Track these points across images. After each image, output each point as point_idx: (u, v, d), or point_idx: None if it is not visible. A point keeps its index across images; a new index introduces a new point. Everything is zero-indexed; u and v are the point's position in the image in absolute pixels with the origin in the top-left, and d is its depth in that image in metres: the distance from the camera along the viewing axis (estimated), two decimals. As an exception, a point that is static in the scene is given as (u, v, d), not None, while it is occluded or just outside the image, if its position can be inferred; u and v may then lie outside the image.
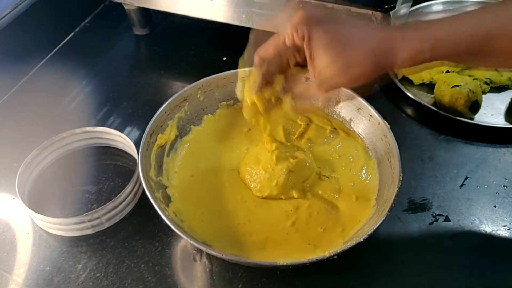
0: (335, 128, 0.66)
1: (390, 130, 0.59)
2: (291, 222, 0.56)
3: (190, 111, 0.66)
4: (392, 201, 0.52)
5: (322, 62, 0.47)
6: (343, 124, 0.66)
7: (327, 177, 0.60)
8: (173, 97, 0.63)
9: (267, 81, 0.55)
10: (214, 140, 0.65)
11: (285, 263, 0.49)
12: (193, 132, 0.66)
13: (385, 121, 0.60)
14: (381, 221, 0.50)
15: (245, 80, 0.57)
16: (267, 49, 0.51)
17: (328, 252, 0.48)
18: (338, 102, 0.66)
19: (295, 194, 0.58)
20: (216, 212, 0.57)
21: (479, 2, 0.88)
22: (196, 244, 0.50)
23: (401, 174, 0.54)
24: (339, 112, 0.67)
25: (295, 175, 0.58)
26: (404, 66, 0.47)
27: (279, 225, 0.56)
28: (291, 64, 0.54)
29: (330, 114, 0.68)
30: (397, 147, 0.57)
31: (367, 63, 0.46)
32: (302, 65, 0.52)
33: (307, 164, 0.60)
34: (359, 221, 0.56)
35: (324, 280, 0.56)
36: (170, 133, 0.63)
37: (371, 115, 0.62)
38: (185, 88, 0.65)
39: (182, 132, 0.65)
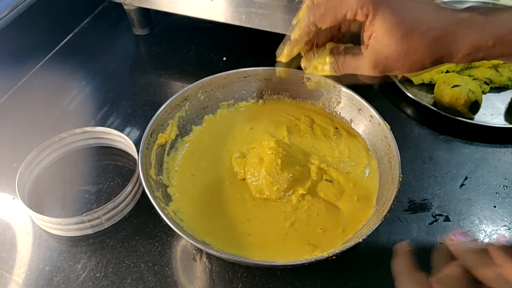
0: (337, 128, 0.66)
1: (391, 131, 0.59)
2: (290, 222, 0.56)
3: (190, 111, 0.66)
4: (391, 202, 0.52)
5: (382, 44, 0.46)
6: (345, 124, 0.66)
7: (330, 181, 0.60)
8: (174, 96, 0.63)
9: (312, 45, 0.54)
10: (215, 139, 0.65)
11: (283, 263, 0.49)
12: (194, 131, 0.66)
13: (385, 122, 0.60)
14: (380, 221, 0.50)
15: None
16: (325, 18, 0.48)
17: (327, 253, 0.48)
18: (338, 103, 0.66)
19: (294, 199, 0.58)
20: (216, 211, 0.57)
21: (479, 2, 0.88)
22: (195, 243, 0.50)
23: (401, 175, 0.54)
24: (340, 112, 0.67)
25: (298, 183, 0.58)
26: (461, 61, 0.46)
27: (278, 225, 0.56)
28: (342, 31, 0.53)
29: (331, 113, 0.67)
30: (397, 148, 0.57)
31: (427, 52, 0.45)
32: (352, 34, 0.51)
33: (312, 172, 0.60)
34: (360, 222, 0.56)
35: (324, 280, 0.55)
36: (170, 132, 0.63)
37: (371, 116, 0.62)
38: (186, 88, 0.65)
39: (183, 131, 0.65)
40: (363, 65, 0.48)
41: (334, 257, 0.48)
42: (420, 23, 0.45)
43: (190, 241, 0.50)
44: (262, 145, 0.60)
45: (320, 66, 0.53)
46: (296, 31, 0.52)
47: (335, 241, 0.54)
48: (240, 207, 0.58)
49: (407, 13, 0.45)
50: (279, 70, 0.64)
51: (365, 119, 0.64)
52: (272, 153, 0.59)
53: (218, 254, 0.50)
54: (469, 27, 0.44)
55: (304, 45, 0.54)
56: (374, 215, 0.55)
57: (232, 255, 0.50)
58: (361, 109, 0.64)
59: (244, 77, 0.67)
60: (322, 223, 0.56)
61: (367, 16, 0.46)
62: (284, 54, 0.55)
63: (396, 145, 0.57)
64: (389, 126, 0.59)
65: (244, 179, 0.60)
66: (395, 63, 0.46)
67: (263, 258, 0.52)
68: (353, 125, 0.66)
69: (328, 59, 0.52)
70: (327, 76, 0.63)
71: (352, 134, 0.65)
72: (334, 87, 0.65)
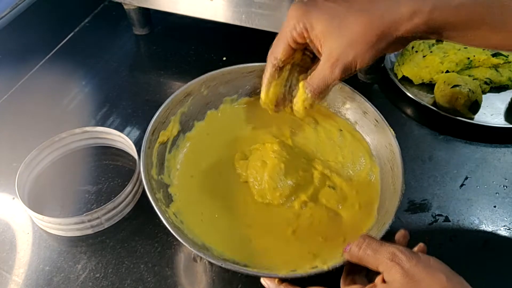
0: (341, 130, 0.64)
1: (395, 138, 0.57)
2: (292, 230, 0.55)
3: (193, 106, 0.64)
4: (393, 213, 0.51)
5: (329, 44, 0.47)
6: (350, 125, 0.64)
7: (333, 187, 0.59)
8: (177, 92, 0.61)
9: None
10: (217, 139, 0.64)
11: (284, 276, 0.48)
12: (196, 128, 0.64)
13: (390, 128, 0.58)
14: (382, 234, 0.49)
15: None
16: (278, 47, 0.51)
17: (327, 266, 0.48)
18: (344, 104, 0.65)
19: (296, 206, 0.57)
20: (217, 213, 0.57)
21: None
22: (196, 252, 0.49)
23: (404, 186, 0.53)
24: (345, 113, 0.65)
25: (301, 188, 0.58)
26: (408, 30, 0.45)
27: (279, 232, 0.55)
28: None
29: (335, 114, 0.66)
30: (401, 157, 0.55)
31: (369, 29, 0.45)
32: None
33: (315, 178, 0.59)
34: (361, 230, 0.55)
35: (324, 284, 0.55)
36: (172, 129, 0.61)
37: (376, 120, 0.60)
38: (189, 83, 0.63)
39: (185, 127, 0.63)
40: (326, 74, 0.49)
41: (333, 270, 0.48)
42: (351, 9, 0.46)
43: (191, 248, 0.49)
44: (265, 147, 0.60)
45: (306, 102, 0.53)
46: (266, 71, 0.55)
47: (336, 250, 0.52)
48: (242, 211, 0.57)
49: (337, 7, 0.47)
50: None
51: (370, 123, 0.62)
52: (275, 157, 0.58)
53: (219, 264, 0.48)
54: None
55: (282, 86, 0.56)
56: (375, 225, 0.55)
57: (230, 264, 0.49)
58: (366, 113, 0.62)
59: (249, 72, 0.65)
60: (323, 231, 0.55)
61: (307, 29, 0.47)
62: (262, 99, 0.57)
63: (400, 153, 0.55)
64: (394, 133, 0.58)
65: (246, 181, 0.59)
66: (347, 55, 0.47)
67: (263, 264, 0.52)
68: (357, 127, 0.64)
69: (304, 90, 0.53)
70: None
71: (356, 137, 0.63)
72: (340, 87, 0.63)
